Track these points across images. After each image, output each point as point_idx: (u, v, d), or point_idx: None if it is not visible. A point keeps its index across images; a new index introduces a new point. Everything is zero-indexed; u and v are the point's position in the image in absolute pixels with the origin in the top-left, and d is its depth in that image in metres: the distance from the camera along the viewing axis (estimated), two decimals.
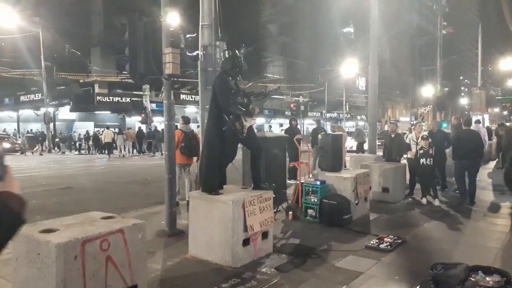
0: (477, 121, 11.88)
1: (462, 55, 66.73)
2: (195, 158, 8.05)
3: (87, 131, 29.67)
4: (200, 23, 6.74)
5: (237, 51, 5.18)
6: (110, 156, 23.59)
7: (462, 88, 73.57)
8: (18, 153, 26.26)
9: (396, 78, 52.51)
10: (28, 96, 33.35)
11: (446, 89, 35.29)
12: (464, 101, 61.79)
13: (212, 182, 4.92)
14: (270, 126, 32.78)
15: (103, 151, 25.30)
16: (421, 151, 8.31)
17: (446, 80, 42.58)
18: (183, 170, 8.10)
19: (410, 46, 61.47)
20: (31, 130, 32.80)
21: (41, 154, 26.20)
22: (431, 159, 8.18)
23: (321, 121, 15.03)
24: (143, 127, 28.14)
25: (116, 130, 25.98)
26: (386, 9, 28.21)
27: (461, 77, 76.36)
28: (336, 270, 4.56)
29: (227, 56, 5.15)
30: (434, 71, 27.86)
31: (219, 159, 4.99)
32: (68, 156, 25.51)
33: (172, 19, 7.84)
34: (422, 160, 8.25)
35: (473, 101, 27.78)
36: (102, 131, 26.33)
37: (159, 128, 25.55)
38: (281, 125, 40.69)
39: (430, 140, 8.50)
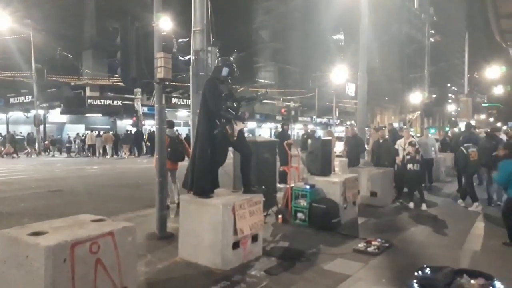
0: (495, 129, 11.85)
1: (450, 63, 67.53)
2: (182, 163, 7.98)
3: (77, 133, 29.50)
4: (192, 29, 6.80)
5: (232, 60, 5.23)
6: (92, 157, 25.86)
7: (450, 95, 74.42)
8: (5, 156, 25.93)
9: (385, 85, 53.00)
10: (18, 98, 32.94)
11: (434, 95, 35.75)
12: (451, 107, 62.50)
13: (204, 185, 4.96)
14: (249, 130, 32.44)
15: (89, 152, 26.84)
16: (408, 157, 8.46)
17: (434, 87, 43.07)
18: (169, 175, 8.00)
19: (399, 54, 62.12)
20: (21, 133, 32.45)
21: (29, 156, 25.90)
22: (418, 164, 8.32)
23: (308, 126, 15.07)
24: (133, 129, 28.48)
25: (95, 133, 27.61)
26: (376, 17, 28.54)
27: (448, 84, 77.26)
28: (324, 273, 4.62)
29: (221, 64, 5.19)
30: (422, 78, 28.23)
31: (211, 163, 5.03)
32: (58, 159, 25.31)
33: (165, 23, 7.91)
34: (409, 166, 8.40)
35: (460, 108, 28.24)
36: (84, 134, 28.41)
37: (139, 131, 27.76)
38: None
39: (417, 146, 8.65)
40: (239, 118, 4.99)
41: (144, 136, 27.67)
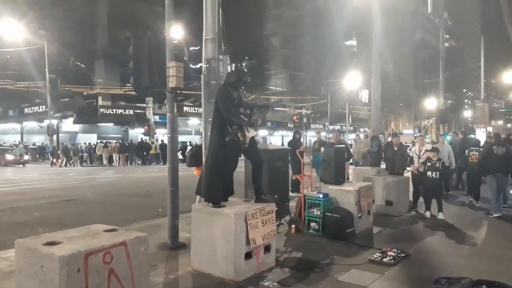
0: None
1: (465, 68, 66.82)
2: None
3: (89, 143, 29.95)
4: (204, 37, 6.80)
5: (243, 66, 5.21)
6: (100, 166, 27.16)
7: (466, 100, 73.52)
8: (21, 165, 26.35)
9: (399, 91, 52.62)
10: (32, 108, 33.55)
11: (449, 101, 35.30)
12: (467, 113, 61.66)
13: (215, 193, 4.91)
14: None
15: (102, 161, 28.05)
16: (429, 164, 8.24)
17: (449, 93, 42.57)
18: None
19: (413, 59, 61.72)
20: (43, 143, 33.08)
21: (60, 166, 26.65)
22: (438, 172, 8.10)
23: (320, 133, 14.97)
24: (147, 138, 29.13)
25: (103, 142, 28.98)
26: (389, 22, 28.42)
27: (464, 90, 76.37)
28: (339, 284, 4.53)
29: (233, 69, 5.18)
30: (437, 83, 27.96)
31: (222, 171, 4.99)
32: (71, 168, 25.62)
33: (176, 32, 7.93)
34: (429, 173, 8.18)
35: (477, 114, 27.79)
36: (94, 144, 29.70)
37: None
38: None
39: (437, 152, 8.45)
40: (251, 124, 4.95)
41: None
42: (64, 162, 27.01)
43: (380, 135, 13.12)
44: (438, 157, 8.32)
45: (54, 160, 27.56)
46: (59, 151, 27.54)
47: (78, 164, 27.76)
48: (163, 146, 27.84)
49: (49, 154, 28.85)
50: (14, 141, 32.86)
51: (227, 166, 5.03)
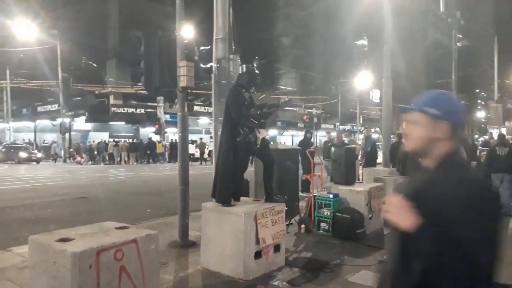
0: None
1: (478, 68, 65.88)
2: None
3: (99, 141, 30.33)
4: (214, 37, 6.83)
5: (255, 67, 5.22)
6: (112, 163, 27.98)
7: (479, 101, 72.49)
8: (34, 163, 26.72)
9: (411, 91, 52.04)
10: (45, 106, 34.01)
11: (462, 102, 34.82)
12: (480, 114, 60.84)
13: (225, 194, 4.93)
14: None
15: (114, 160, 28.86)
16: None
17: (462, 93, 41.99)
18: None
19: (424, 59, 61.07)
20: (44, 141, 33.55)
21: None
22: None
23: (331, 133, 14.85)
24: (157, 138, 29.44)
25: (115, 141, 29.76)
26: (400, 22, 28.15)
27: (477, 90, 75.30)
28: (349, 285, 4.51)
29: (244, 71, 5.18)
30: (449, 84, 27.63)
31: (233, 171, 5.00)
32: (82, 166, 25.89)
33: (187, 32, 7.98)
34: None
35: (490, 115, 27.45)
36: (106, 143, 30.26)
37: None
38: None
39: None
40: (261, 126, 4.95)
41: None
42: (87, 161, 27.49)
43: (391, 135, 13.02)
44: None
45: (78, 158, 28.06)
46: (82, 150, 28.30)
47: (101, 162, 28.32)
48: (173, 145, 28.09)
49: (74, 152, 29.24)
50: (23, 139, 33.43)
51: (238, 166, 5.04)
